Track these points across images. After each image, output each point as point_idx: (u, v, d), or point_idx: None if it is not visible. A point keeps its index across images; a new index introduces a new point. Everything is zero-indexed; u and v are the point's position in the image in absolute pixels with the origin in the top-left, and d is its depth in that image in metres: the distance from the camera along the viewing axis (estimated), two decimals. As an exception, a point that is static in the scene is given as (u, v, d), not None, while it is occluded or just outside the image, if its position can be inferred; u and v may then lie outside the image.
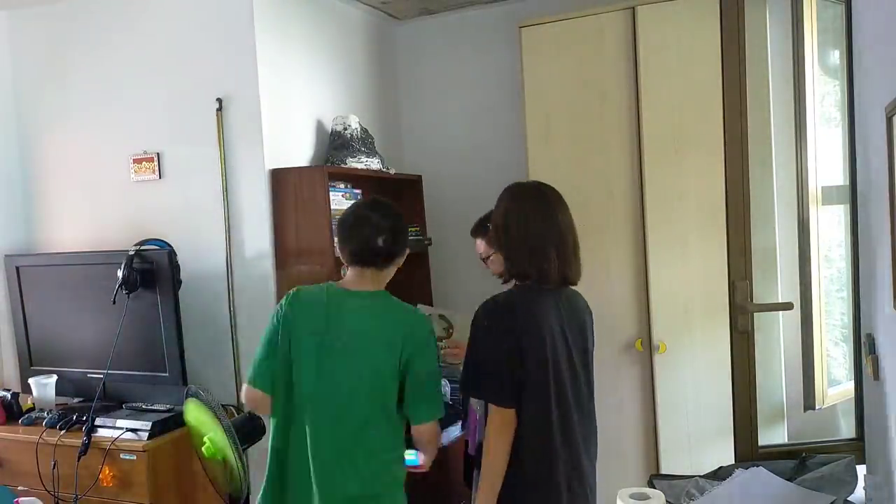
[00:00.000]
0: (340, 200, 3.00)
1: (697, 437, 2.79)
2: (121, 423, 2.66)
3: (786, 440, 2.75)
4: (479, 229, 2.68)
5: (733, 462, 2.33)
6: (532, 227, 1.89)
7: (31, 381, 2.95)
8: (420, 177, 3.60)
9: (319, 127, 3.23)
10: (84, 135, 3.23)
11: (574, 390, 1.93)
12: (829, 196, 2.51)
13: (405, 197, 3.57)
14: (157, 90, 3.06)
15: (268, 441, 2.10)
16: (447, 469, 2.97)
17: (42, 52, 3.31)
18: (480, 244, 2.70)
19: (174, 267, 2.75)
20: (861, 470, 2.06)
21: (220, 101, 2.92)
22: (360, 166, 3.09)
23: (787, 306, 2.51)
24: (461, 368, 1.95)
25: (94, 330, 2.92)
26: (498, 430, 1.83)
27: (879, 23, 1.76)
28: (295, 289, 2.07)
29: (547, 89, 2.97)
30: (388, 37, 3.81)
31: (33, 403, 2.95)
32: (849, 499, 1.90)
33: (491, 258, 2.63)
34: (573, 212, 2.04)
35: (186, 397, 2.52)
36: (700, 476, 2.11)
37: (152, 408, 2.78)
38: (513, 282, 1.99)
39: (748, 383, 2.41)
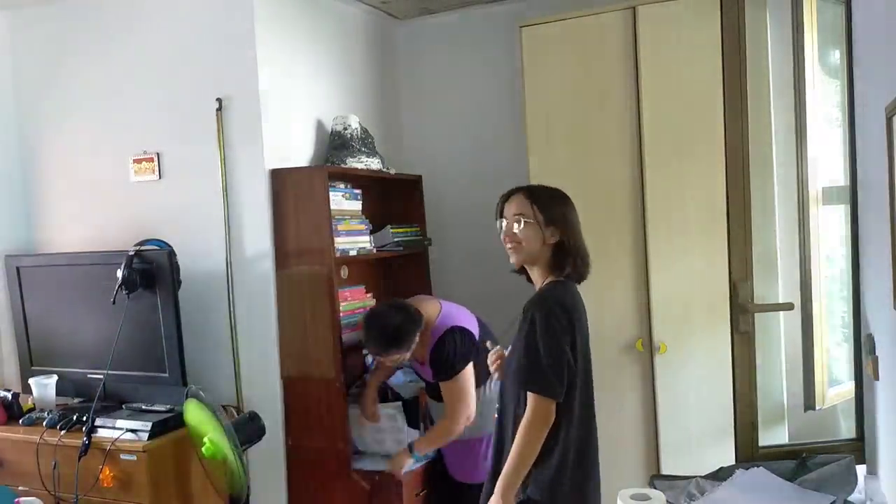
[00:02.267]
0: (340, 200, 3.00)
1: (698, 437, 2.79)
2: (121, 423, 2.66)
3: (786, 440, 2.75)
4: (376, 346, 2.68)
5: (734, 462, 2.33)
6: (577, 225, 2.07)
7: (31, 381, 2.95)
8: (420, 177, 3.60)
9: (319, 127, 3.23)
10: (84, 135, 3.23)
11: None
12: (829, 196, 2.51)
13: (405, 197, 3.57)
14: (157, 90, 3.06)
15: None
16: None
17: (42, 52, 3.31)
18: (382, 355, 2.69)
19: (174, 267, 2.74)
20: (861, 470, 2.06)
21: (220, 101, 2.92)
22: (360, 166, 3.09)
23: (788, 306, 2.51)
24: (515, 367, 1.98)
25: (94, 330, 2.92)
26: (542, 421, 1.91)
27: (879, 23, 1.76)
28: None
29: (547, 89, 2.97)
30: (388, 37, 3.81)
31: (34, 404, 2.96)
32: (849, 499, 1.90)
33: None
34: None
35: (186, 398, 2.53)
36: (701, 476, 2.11)
37: (152, 408, 2.78)
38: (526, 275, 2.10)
39: (749, 383, 2.41)
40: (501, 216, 2.05)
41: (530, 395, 1.90)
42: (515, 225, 1.99)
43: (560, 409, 1.92)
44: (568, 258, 2.00)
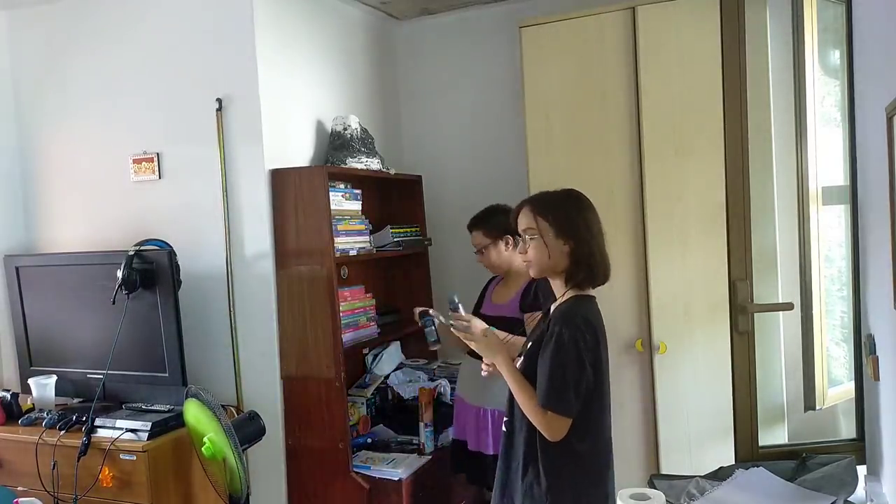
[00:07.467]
0: (340, 201, 3.00)
1: (698, 437, 2.79)
2: (120, 423, 2.66)
3: (786, 440, 2.75)
4: (480, 223, 2.85)
5: (734, 462, 2.33)
6: (592, 227, 2.00)
7: (30, 381, 2.95)
8: (420, 177, 3.60)
9: (319, 127, 3.23)
10: (84, 135, 3.23)
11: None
12: (829, 196, 2.51)
13: (405, 197, 3.57)
14: (157, 90, 3.06)
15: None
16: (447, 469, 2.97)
17: (42, 52, 3.31)
18: (478, 236, 2.85)
19: (174, 267, 2.74)
20: (861, 470, 2.06)
21: (220, 101, 2.92)
22: (360, 166, 3.09)
23: (788, 306, 2.51)
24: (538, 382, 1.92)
25: (93, 330, 2.91)
26: (555, 435, 1.87)
27: (879, 23, 1.76)
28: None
29: (547, 89, 2.97)
30: (388, 37, 3.81)
31: (33, 404, 2.95)
32: (849, 499, 1.90)
33: (485, 250, 2.83)
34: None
35: (186, 397, 2.53)
36: (700, 476, 2.11)
37: (152, 408, 2.78)
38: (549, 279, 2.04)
39: (748, 383, 2.41)
40: (518, 232, 2.01)
41: (548, 412, 1.86)
42: (528, 240, 1.96)
43: (578, 427, 1.88)
44: (580, 267, 1.95)
